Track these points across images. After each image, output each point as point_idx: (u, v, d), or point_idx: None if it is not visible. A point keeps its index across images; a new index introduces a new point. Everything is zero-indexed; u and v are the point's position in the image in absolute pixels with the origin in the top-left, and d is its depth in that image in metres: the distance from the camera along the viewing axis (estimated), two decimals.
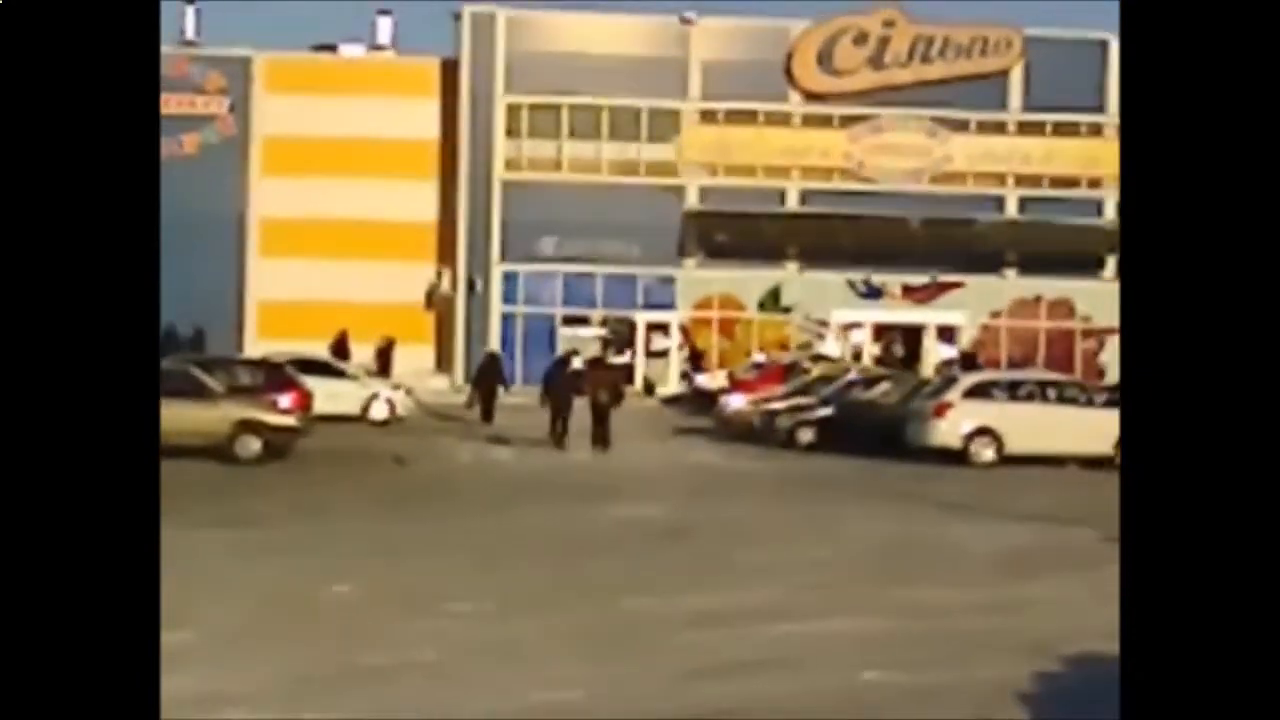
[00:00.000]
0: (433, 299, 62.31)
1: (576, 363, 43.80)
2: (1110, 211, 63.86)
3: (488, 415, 44.41)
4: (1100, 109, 63.62)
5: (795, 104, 63.22)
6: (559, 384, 39.32)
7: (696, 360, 61.88)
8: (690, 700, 12.16)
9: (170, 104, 57.16)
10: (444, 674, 12.85)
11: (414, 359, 58.96)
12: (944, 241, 62.20)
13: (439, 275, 62.25)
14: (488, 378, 46.06)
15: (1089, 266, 63.66)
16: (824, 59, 62.96)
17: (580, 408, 38.13)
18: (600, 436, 37.53)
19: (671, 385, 61.44)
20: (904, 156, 62.88)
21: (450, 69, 62.47)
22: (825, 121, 63.20)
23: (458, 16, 62.13)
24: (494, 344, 57.75)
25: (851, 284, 63.27)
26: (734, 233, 61.80)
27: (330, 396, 40.93)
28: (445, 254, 62.28)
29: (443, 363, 61.93)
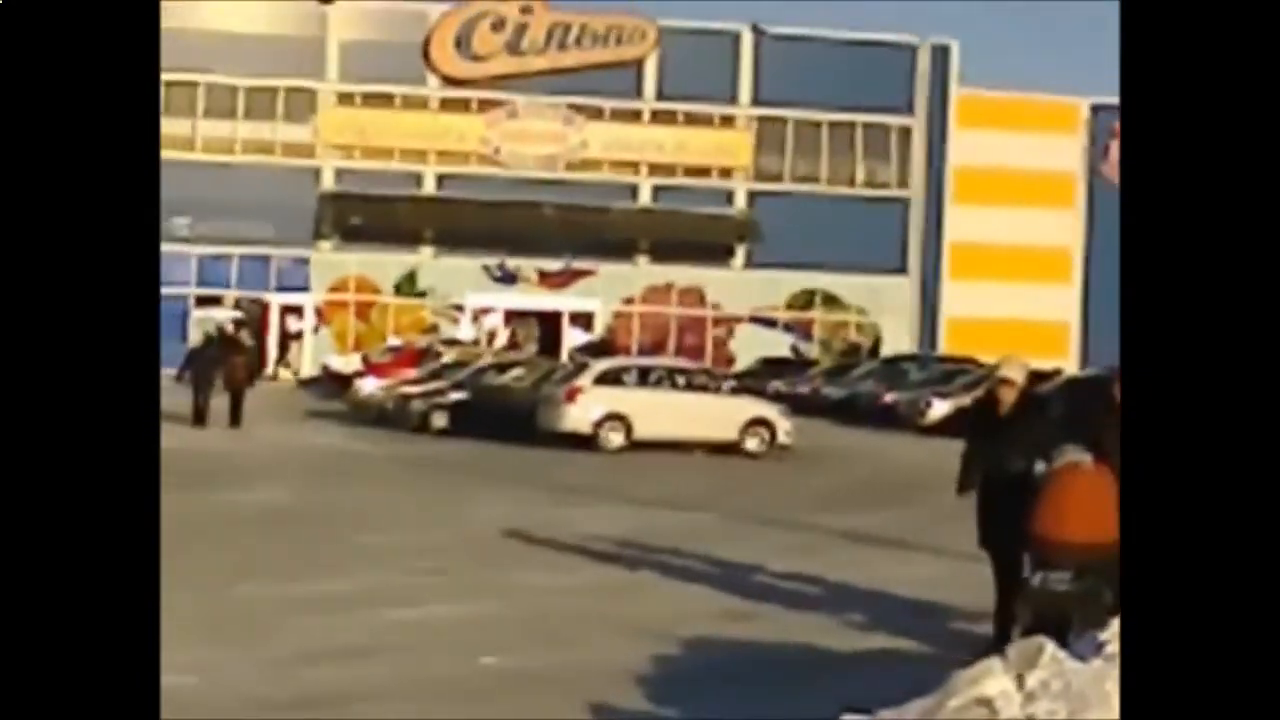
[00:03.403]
0: None
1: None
2: (740, 201, 65.13)
3: None
4: (733, 100, 64.79)
5: (433, 88, 63.19)
6: (200, 364, 39.30)
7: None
8: (302, 685, 12.08)
9: None
10: None
11: None
12: (578, 228, 62.77)
13: None
14: None
15: (719, 255, 64.85)
16: (462, 43, 63.06)
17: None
18: (234, 415, 38.27)
19: (306, 368, 60.98)
20: (540, 143, 63.29)
21: None
22: (463, 106, 63.30)
23: None
24: None
25: (487, 269, 63.48)
26: (370, 215, 61.58)
27: None
28: None
29: None
